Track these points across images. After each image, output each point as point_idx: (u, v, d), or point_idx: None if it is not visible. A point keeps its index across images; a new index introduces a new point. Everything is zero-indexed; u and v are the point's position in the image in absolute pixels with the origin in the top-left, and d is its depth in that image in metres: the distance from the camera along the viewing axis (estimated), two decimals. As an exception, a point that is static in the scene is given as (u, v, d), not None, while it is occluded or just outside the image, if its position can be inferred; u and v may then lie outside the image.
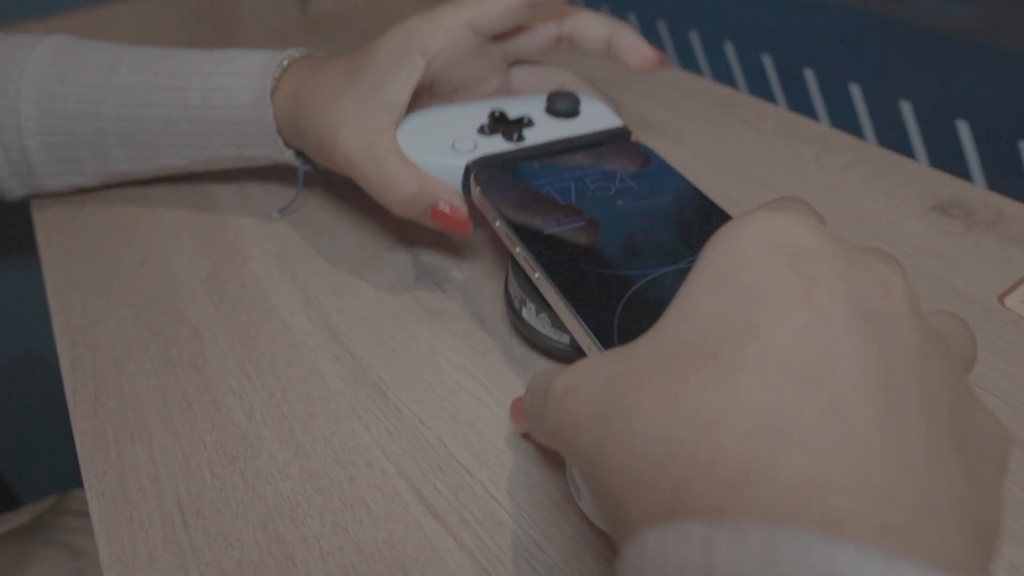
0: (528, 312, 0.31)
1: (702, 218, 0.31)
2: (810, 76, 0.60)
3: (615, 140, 0.36)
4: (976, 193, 0.41)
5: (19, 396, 0.83)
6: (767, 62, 0.63)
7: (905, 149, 0.55)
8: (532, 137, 0.35)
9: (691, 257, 0.28)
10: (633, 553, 0.16)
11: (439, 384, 0.32)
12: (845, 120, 0.58)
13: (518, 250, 0.29)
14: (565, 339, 0.30)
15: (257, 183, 0.45)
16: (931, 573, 0.14)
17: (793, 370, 0.17)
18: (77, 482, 0.55)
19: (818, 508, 0.15)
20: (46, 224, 0.42)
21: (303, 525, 0.27)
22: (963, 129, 0.52)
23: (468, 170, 0.34)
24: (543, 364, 0.32)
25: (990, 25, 0.50)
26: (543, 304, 0.30)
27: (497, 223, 0.31)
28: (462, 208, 0.34)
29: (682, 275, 0.22)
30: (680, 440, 0.17)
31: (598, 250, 0.29)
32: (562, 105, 0.36)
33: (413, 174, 0.33)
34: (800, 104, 0.63)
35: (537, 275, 0.28)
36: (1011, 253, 0.37)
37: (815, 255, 0.19)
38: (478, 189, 0.33)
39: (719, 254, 0.20)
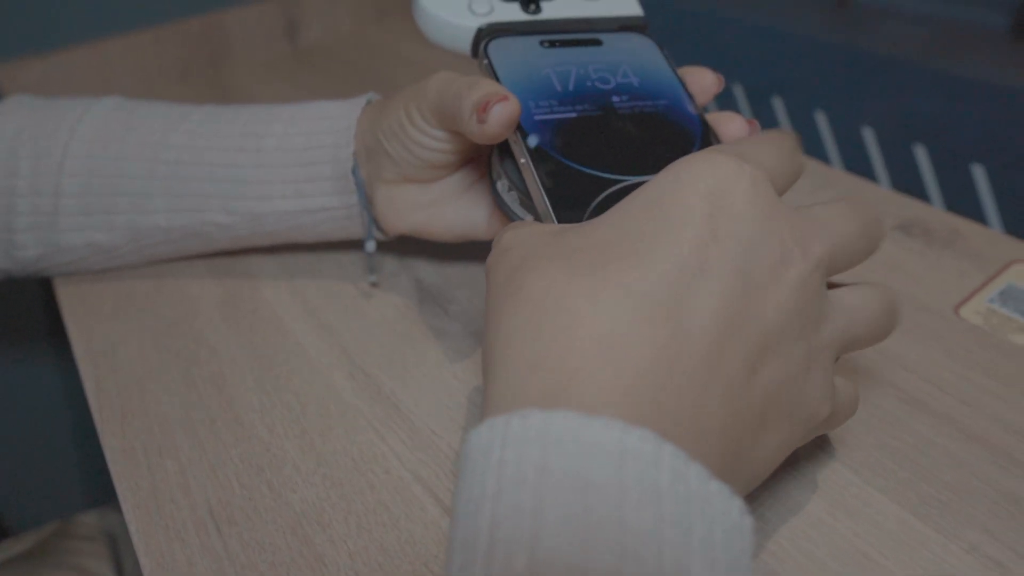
0: (501, 186, 0.33)
1: (688, 135, 0.31)
2: (778, 104, 0.64)
3: (631, 29, 0.36)
4: (935, 214, 0.45)
5: (6, 430, 0.83)
6: (737, 91, 0.67)
7: (868, 173, 0.59)
8: (549, 11, 0.35)
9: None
10: (462, 448, 0.20)
11: (448, 398, 0.34)
12: (812, 146, 0.62)
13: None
14: (529, 219, 0.31)
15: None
16: (654, 437, 0.18)
17: (652, 304, 0.20)
18: (79, 507, 0.57)
19: (617, 414, 0.19)
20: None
21: (330, 528, 0.29)
22: (920, 153, 0.56)
23: (479, 34, 0.34)
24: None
25: (938, 47, 0.54)
26: (516, 183, 0.31)
27: None
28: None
29: None
30: (542, 330, 0.20)
31: (582, 146, 0.29)
32: None
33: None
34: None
35: (523, 161, 0.29)
36: (965, 268, 0.40)
37: (735, 216, 0.21)
38: (485, 59, 0.33)
39: (663, 182, 0.22)
